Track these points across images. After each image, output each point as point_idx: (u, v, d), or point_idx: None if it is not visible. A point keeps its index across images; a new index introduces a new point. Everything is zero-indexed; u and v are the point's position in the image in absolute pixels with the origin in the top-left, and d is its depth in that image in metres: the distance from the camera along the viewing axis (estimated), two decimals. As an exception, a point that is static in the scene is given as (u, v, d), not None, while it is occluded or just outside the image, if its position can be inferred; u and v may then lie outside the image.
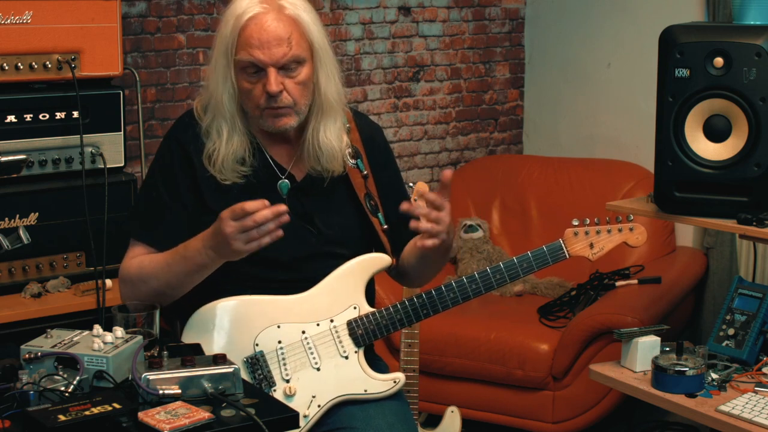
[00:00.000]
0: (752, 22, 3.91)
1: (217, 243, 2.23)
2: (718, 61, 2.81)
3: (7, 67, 3.12)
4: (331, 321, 2.40)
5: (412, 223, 2.30)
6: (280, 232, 2.19)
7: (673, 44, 2.85)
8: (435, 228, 2.29)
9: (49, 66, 3.18)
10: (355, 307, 2.42)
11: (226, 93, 2.33)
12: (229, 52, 2.31)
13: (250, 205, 2.16)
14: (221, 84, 2.34)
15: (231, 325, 2.36)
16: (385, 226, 2.50)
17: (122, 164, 3.36)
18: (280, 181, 2.42)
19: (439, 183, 2.35)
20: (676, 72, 2.85)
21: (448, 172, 2.30)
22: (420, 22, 4.63)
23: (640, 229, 2.60)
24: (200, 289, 2.37)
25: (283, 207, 2.18)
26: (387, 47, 4.54)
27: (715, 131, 2.86)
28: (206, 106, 2.40)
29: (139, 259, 2.38)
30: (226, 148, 2.35)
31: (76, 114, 3.24)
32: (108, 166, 3.28)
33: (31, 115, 3.18)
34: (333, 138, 2.40)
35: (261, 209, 2.16)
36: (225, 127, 2.35)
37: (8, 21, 3.10)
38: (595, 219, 2.57)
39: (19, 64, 3.14)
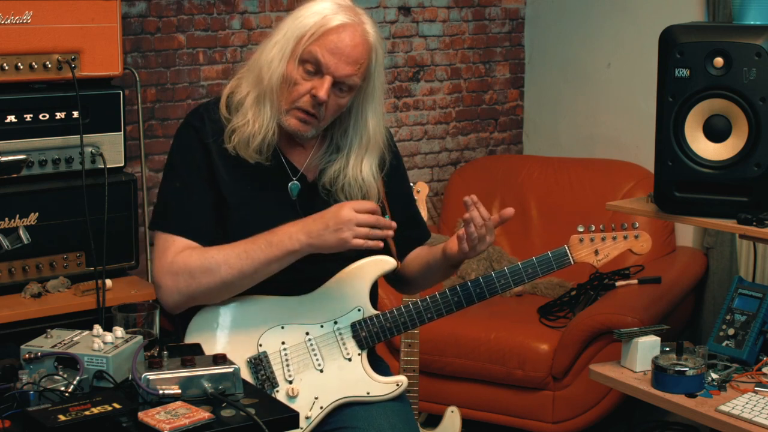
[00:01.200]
0: (752, 22, 3.91)
1: (321, 227, 2.24)
2: (718, 61, 2.81)
3: (7, 67, 3.12)
4: (335, 323, 2.40)
5: (467, 215, 2.35)
6: (381, 244, 2.28)
7: (673, 44, 2.85)
8: (480, 233, 2.35)
9: (49, 66, 3.18)
10: (359, 310, 2.42)
11: (278, 74, 2.29)
12: (302, 39, 2.28)
13: (374, 205, 2.26)
14: (277, 62, 2.30)
15: (235, 325, 2.36)
16: None
17: (122, 164, 3.36)
18: (291, 183, 2.41)
19: (498, 214, 2.39)
20: (676, 72, 2.85)
21: (510, 210, 2.39)
22: (420, 22, 4.63)
23: (645, 236, 2.60)
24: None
25: (393, 224, 2.28)
26: (387, 47, 4.53)
27: (715, 131, 2.86)
28: (243, 84, 2.37)
29: (199, 250, 2.31)
30: (266, 126, 2.32)
31: (76, 114, 3.24)
32: (108, 166, 3.28)
33: (31, 115, 3.18)
34: (371, 175, 2.41)
35: (385, 222, 2.27)
36: (268, 101, 2.32)
37: (8, 21, 3.10)
38: (600, 225, 2.56)
39: (19, 64, 3.14)
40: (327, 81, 2.27)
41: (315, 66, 2.28)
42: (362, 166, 2.40)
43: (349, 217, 2.23)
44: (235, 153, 2.34)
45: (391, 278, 2.58)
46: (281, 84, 2.30)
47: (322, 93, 2.27)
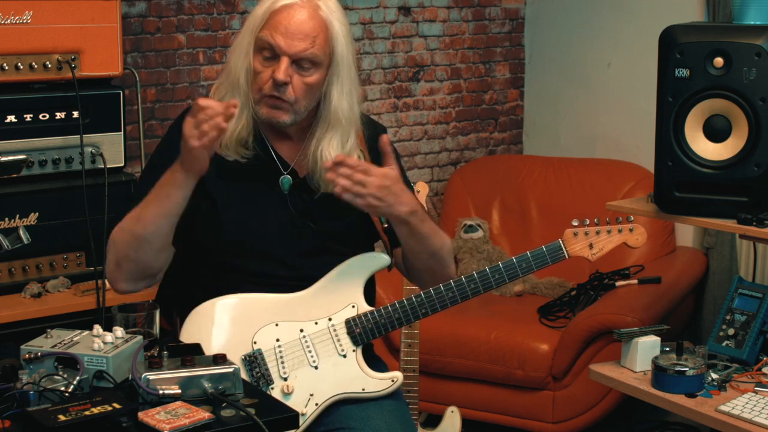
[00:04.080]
0: (752, 22, 3.92)
1: (181, 152, 2.24)
2: (718, 61, 2.81)
3: (7, 67, 3.12)
4: (330, 319, 2.40)
5: (328, 175, 2.30)
6: (225, 125, 2.21)
7: (673, 44, 2.85)
8: (353, 188, 2.28)
9: (49, 66, 3.18)
10: (353, 306, 2.42)
11: (243, 70, 2.35)
12: (255, 29, 2.34)
13: (203, 101, 2.21)
14: (241, 60, 2.35)
15: (230, 322, 2.36)
16: (386, 225, 2.50)
17: (122, 164, 3.36)
18: (282, 177, 2.42)
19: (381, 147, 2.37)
20: (676, 72, 2.85)
21: (385, 137, 2.35)
22: (420, 22, 4.63)
23: (640, 229, 2.59)
24: (200, 285, 2.38)
25: (234, 101, 2.25)
26: (387, 47, 4.54)
27: (715, 131, 2.86)
28: (221, 87, 2.41)
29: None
30: (235, 123, 2.35)
31: (76, 114, 3.24)
32: (108, 166, 3.28)
33: (31, 115, 3.18)
34: (335, 153, 2.39)
35: (214, 104, 2.21)
36: (241, 97, 2.35)
37: (8, 21, 3.10)
38: (595, 219, 2.57)
39: (19, 64, 3.14)
40: (283, 62, 2.31)
41: (270, 51, 2.32)
42: (324, 141, 2.39)
43: (186, 127, 2.21)
44: (225, 148, 2.36)
45: (405, 272, 2.58)
46: (249, 78, 2.35)
47: (279, 74, 2.30)
